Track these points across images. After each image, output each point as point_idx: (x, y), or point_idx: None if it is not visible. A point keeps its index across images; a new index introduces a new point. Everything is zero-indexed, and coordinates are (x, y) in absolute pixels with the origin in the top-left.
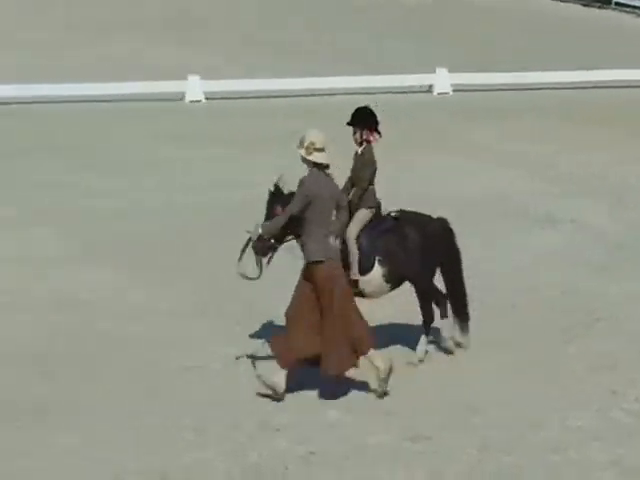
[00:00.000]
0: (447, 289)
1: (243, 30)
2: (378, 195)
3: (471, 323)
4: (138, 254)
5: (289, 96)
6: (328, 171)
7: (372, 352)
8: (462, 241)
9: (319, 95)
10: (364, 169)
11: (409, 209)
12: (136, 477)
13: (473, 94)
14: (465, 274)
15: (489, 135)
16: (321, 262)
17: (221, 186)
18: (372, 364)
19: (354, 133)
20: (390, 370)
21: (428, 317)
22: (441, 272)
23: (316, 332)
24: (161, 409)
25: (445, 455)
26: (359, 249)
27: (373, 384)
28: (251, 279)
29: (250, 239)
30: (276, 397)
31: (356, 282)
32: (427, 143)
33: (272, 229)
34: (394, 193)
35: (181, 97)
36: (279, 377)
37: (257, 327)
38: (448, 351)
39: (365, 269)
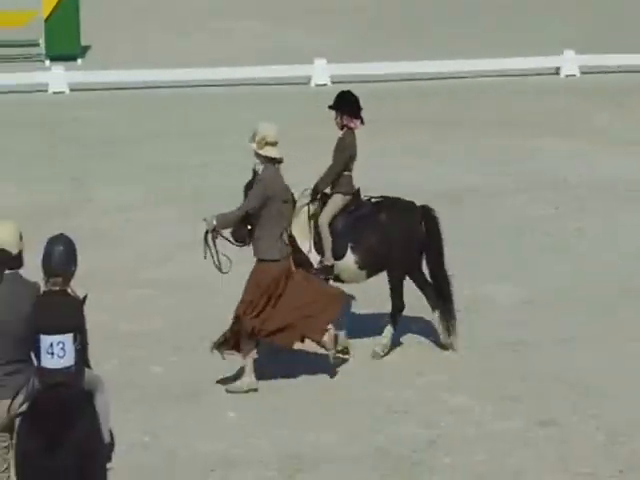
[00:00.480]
0: (431, 280)
1: (369, 13)
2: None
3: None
4: None
5: (415, 79)
6: (278, 166)
7: (324, 339)
8: (585, 226)
9: (444, 78)
10: (339, 153)
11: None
12: (272, 456)
13: (602, 76)
14: (589, 258)
15: (612, 119)
16: (276, 261)
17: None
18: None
19: (335, 117)
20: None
21: (395, 308)
22: (426, 262)
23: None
24: (288, 391)
25: (575, 440)
26: (333, 234)
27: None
28: (224, 273)
29: (207, 231)
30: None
31: (332, 267)
32: (549, 126)
33: (226, 222)
34: (514, 175)
35: (307, 81)
36: (250, 377)
37: None
38: (444, 346)
39: (339, 255)
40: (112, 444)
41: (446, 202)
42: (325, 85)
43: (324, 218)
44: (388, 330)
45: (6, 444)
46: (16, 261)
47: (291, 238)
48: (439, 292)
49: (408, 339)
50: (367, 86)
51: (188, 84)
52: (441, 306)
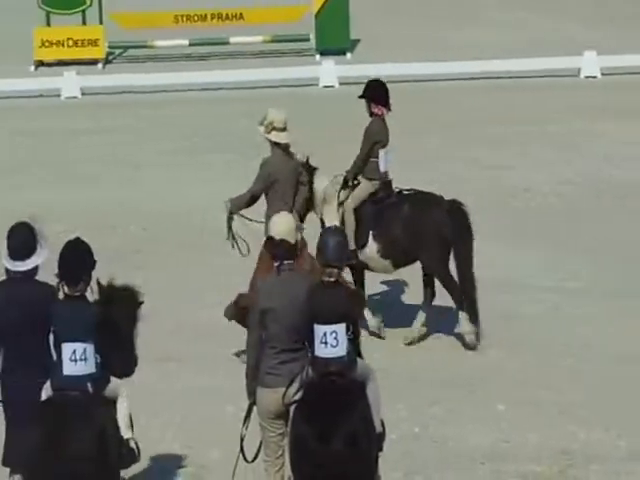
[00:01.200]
0: (457, 274)
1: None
2: None
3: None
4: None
5: None
6: (290, 150)
7: None
8: None
9: None
10: (364, 141)
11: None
12: (542, 451)
13: None
14: None
15: None
16: None
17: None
18: None
19: (366, 106)
20: None
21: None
22: (454, 258)
23: None
24: (557, 389)
25: None
26: (358, 221)
27: None
28: (243, 255)
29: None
30: None
31: (353, 252)
32: None
33: (238, 205)
34: None
35: (577, 73)
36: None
37: None
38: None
39: (361, 243)
40: (383, 434)
41: None
42: (595, 77)
43: (350, 203)
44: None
45: (281, 431)
46: (293, 252)
47: (322, 222)
48: (464, 292)
49: None
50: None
51: (454, 77)
52: (465, 306)
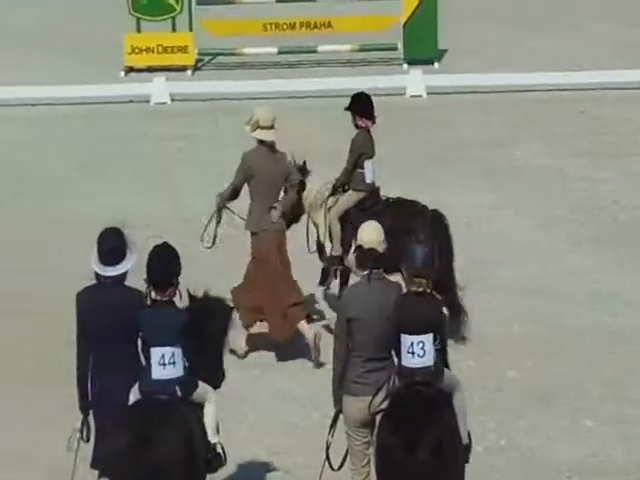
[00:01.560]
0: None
1: None
2: None
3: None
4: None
5: None
6: (278, 149)
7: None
8: None
9: None
10: (350, 154)
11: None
12: (630, 467)
13: None
14: None
15: None
16: (255, 234)
17: None
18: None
19: (352, 119)
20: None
21: None
22: None
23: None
24: (638, 399)
25: None
26: (346, 226)
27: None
28: (206, 248)
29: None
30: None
31: (339, 258)
32: None
33: (222, 198)
34: None
35: None
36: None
37: None
38: None
39: (347, 248)
40: (469, 445)
41: None
42: None
43: (334, 212)
44: None
45: (367, 439)
46: (381, 260)
47: (316, 226)
48: (446, 303)
49: None
50: None
51: (543, 87)
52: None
